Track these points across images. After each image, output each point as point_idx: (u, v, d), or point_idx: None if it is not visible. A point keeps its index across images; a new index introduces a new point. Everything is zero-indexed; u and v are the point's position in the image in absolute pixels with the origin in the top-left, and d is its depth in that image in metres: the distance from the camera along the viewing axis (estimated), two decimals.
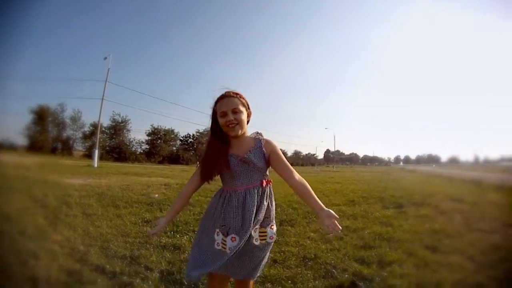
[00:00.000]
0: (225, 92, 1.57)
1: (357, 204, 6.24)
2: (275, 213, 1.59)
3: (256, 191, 1.49)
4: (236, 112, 1.51)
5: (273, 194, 1.59)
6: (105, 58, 23.31)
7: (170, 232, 3.63)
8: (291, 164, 1.58)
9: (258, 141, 1.57)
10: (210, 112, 1.60)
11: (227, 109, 1.50)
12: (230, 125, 1.50)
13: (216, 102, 1.57)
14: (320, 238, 3.66)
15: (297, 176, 1.51)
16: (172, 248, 3.07)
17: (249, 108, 1.61)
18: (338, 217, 1.33)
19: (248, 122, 1.62)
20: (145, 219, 4.29)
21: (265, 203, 1.49)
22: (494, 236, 3.74)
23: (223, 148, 1.54)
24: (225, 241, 1.44)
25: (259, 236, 1.48)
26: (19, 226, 3.44)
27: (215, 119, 1.56)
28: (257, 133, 1.63)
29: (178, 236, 3.51)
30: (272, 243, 1.55)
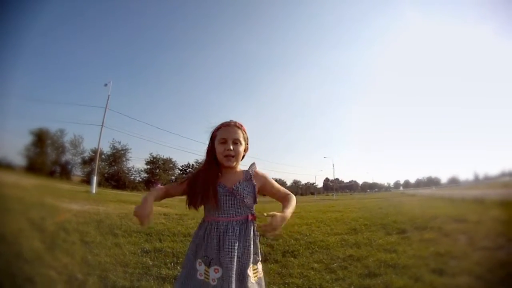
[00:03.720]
0: (230, 120, 1.61)
1: (359, 232, 6.11)
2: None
3: (239, 224, 1.47)
4: (236, 143, 1.54)
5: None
6: (106, 85, 23.48)
7: (171, 264, 3.55)
8: None
9: (247, 173, 1.58)
10: (207, 142, 1.63)
11: (228, 137, 1.53)
12: (227, 155, 1.52)
13: (219, 128, 1.59)
14: (324, 269, 3.58)
15: (291, 194, 1.60)
16: (173, 280, 2.98)
17: (247, 143, 1.64)
18: (283, 222, 1.39)
19: (243, 157, 1.64)
20: (145, 249, 4.16)
21: (251, 239, 1.47)
22: (500, 252, 3.69)
23: (214, 176, 1.53)
24: (207, 271, 1.41)
25: (253, 274, 1.45)
26: (15, 248, 3.40)
27: (212, 144, 1.59)
28: (251, 164, 1.64)
29: (178, 267, 3.38)
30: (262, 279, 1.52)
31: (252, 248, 1.45)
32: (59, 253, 3.60)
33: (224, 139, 1.53)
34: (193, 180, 1.58)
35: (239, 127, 1.59)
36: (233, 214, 1.47)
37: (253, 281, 1.43)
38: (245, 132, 1.62)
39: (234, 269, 1.37)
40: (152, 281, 2.96)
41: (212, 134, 1.61)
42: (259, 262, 1.52)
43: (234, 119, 1.64)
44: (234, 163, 1.55)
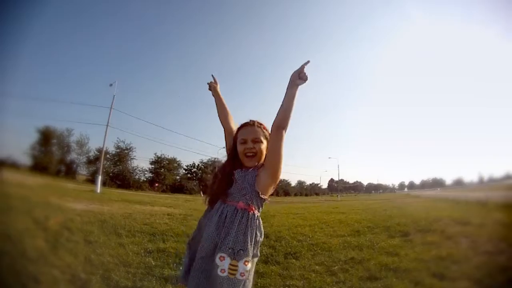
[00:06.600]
0: (250, 120, 1.61)
1: (362, 234, 6.12)
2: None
3: (228, 209, 1.43)
4: (256, 141, 1.52)
5: (257, 228, 1.45)
6: (111, 85, 23.61)
7: (173, 264, 3.57)
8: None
9: (260, 164, 1.54)
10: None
11: (247, 137, 1.53)
12: (248, 154, 1.51)
13: (239, 129, 1.60)
14: (325, 271, 3.60)
15: None
16: (175, 280, 2.99)
17: None
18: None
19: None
20: (148, 249, 4.19)
21: (237, 228, 1.38)
22: (501, 257, 3.67)
23: (231, 167, 1.54)
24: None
25: (228, 268, 1.31)
26: (19, 247, 3.43)
27: (235, 145, 1.58)
28: None
29: (181, 268, 3.38)
30: (246, 282, 1.37)
31: (236, 238, 1.36)
32: (63, 252, 3.62)
33: (244, 139, 1.53)
34: (214, 176, 1.63)
35: (259, 126, 1.58)
36: (230, 199, 1.47)
37: (222, 275, 1.30)
38: (266, 130, 1.59)
39: (208, 252, 1.36)
40: (154, 281, 2.98)
41: (234, 136, 1.62)
42: (245, 263, 1.35)
43: (254, 119, 1.63)
44: (256, 163, 1.52)
